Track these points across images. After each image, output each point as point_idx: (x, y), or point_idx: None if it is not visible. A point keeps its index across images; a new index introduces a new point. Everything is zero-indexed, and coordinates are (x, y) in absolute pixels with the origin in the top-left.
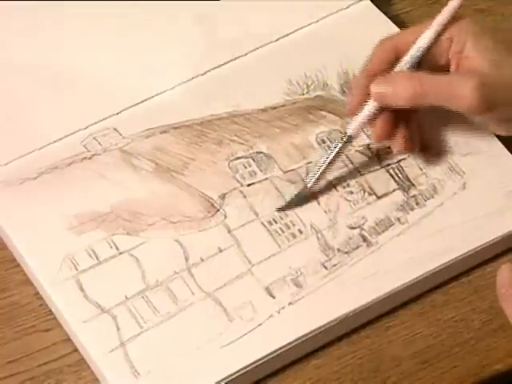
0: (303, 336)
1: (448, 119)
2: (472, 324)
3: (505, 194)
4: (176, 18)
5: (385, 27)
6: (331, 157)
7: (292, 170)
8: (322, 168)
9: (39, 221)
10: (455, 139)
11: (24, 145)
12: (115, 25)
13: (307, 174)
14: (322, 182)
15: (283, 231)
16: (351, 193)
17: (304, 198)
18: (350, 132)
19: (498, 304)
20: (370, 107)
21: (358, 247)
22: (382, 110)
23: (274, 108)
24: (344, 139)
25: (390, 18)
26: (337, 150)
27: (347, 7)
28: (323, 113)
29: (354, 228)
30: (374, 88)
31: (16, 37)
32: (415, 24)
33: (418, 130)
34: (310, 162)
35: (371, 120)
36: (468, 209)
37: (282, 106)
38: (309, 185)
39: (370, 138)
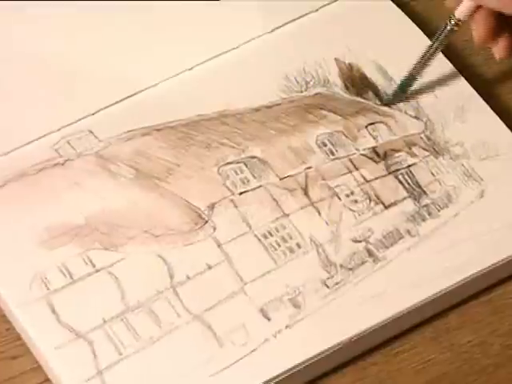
0: (302, 363)
1: (465, 119)
2: (491, 349)
3: None
4: (162, 11)
5: (394, 16)
6: (437, 43)
7: (289, 176)
8: (428, 55)
9: (6, 234)
10: (472, 141)
11: None
12: (95, 19)
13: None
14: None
15: (279, 245)
16: (356, 202)
17: (407, 87)
18: (458, 14)
19: None
20: None
21: (363, 263)
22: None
23: (269, 107)
24: (452, 21)
25: (398, 6)
26: (444, 34)
27: None
28: (324, 112)
29: (359, 241)
30: None
31: None
32: (425, 14)
33: None
34: (310, 167)
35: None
36: (486, 219)
37: (278, 104)
38: (414, 73)
39: (474, 39)
